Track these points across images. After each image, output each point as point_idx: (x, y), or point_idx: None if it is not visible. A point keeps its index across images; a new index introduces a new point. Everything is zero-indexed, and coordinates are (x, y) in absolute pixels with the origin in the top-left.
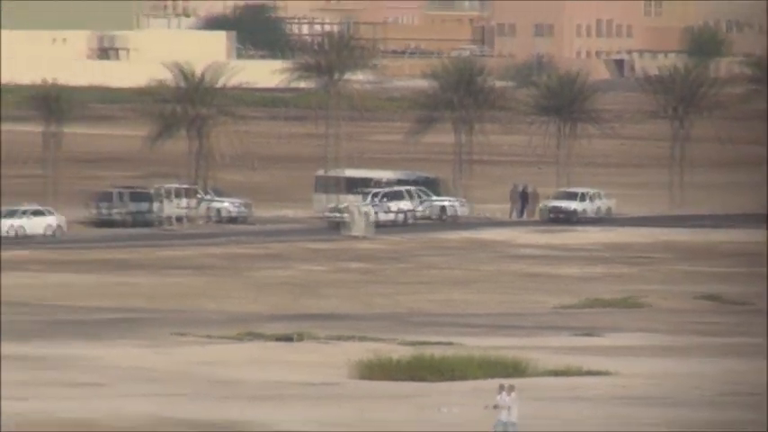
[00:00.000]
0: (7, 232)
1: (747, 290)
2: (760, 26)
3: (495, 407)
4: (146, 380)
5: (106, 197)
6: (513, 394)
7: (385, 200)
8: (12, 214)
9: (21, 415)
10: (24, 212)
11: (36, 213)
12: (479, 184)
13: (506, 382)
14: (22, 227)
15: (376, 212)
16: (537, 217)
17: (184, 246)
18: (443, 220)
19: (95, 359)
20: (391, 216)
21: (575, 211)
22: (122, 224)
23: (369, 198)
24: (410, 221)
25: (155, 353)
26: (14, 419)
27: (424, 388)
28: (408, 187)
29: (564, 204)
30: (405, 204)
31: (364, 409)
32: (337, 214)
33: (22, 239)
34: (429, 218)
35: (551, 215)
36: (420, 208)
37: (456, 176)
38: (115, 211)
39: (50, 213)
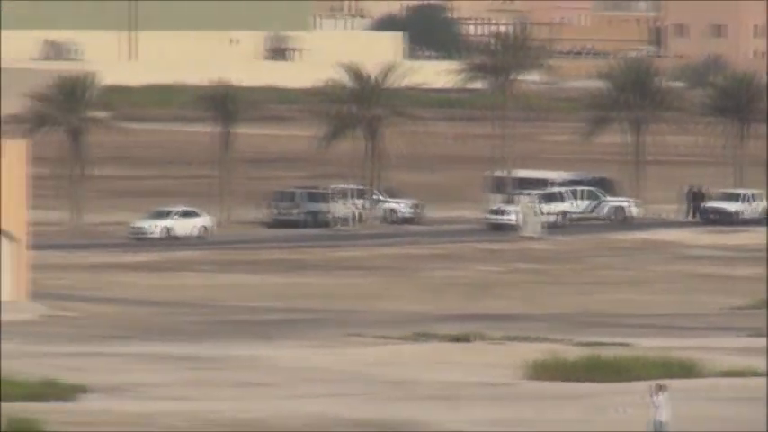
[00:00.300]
0: (152, 233)
1: None
2: None
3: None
4: (319, 380)
5: (283, 197)
6: (661, 394)
7: (538, 201)
8: (161, 215)
9: (193, 414)
10: (172, 213)
11: (185, 215)
12: (651, 184)
13: (657, 382)
14: (166, 228)
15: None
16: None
17: (356, 246)
18: (613, 221)
19: (268, 359)
20: (545, 218)
21: (729, 213)
22: (299, 224)
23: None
24: (560, 224)
25: (328, 353)
26: (187, 419)
27: (597, 388)
28: (571, 188)
29: (721, 205)
30: (556, 206)
31: (538, 409)
32: (490, 216)
33: (168, 240)
34: (599, 218)
35: (710, 216)
36: (581, 209)
37: (629, 177)
38: (290, 211)
39: (199, 214)
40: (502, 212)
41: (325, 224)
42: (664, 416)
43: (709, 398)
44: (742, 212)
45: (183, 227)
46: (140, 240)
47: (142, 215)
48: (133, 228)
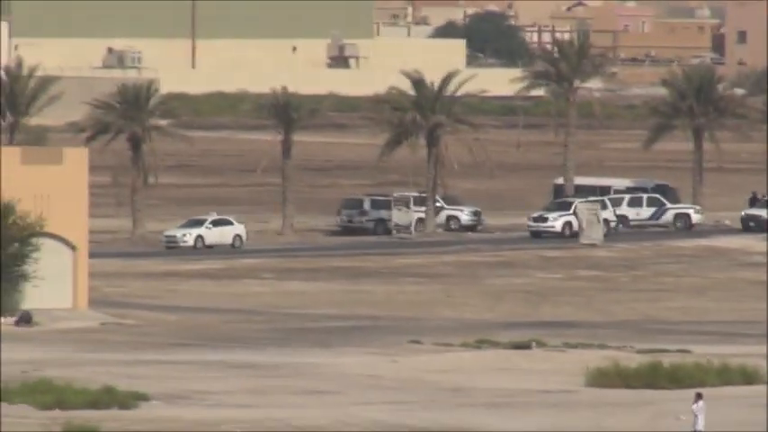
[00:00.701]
0: (185, 242)
1: None
2: None
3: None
4: (380, 387)
5: (351, 204)
6: (699, 402)
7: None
8: (194, 224)
9: (254, 422)
10: (204, 222)
11: (218, 223)
12: (712, 191)
13: (696, 390)
14: (200, 236)
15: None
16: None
17: (418, 253)
18: (675, 228)
19: (329, 367)
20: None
21: (766, 220)
22: (368, 232)
23: (572, 208)
24: (614, 231)
25: (389, 360)
26: (248, 427)
27: (659, 396)
28: (632, 195)
29: (757, 212)
30: (604, 214)
31: (598, 416)
32: (531, 223)
33: (199, 250)
34: (659, 225)
35: (748, 223)
36: (644, 216)
37: (690, 184)
38: (359, 218)
39: (233, 223)
40: (543, 219)
41: (391, 231)
42: (700, 424)
43: None
44: None
45: (216, 236)
46: (171, 249)
47: (176, 223)
48: (166, 236)
